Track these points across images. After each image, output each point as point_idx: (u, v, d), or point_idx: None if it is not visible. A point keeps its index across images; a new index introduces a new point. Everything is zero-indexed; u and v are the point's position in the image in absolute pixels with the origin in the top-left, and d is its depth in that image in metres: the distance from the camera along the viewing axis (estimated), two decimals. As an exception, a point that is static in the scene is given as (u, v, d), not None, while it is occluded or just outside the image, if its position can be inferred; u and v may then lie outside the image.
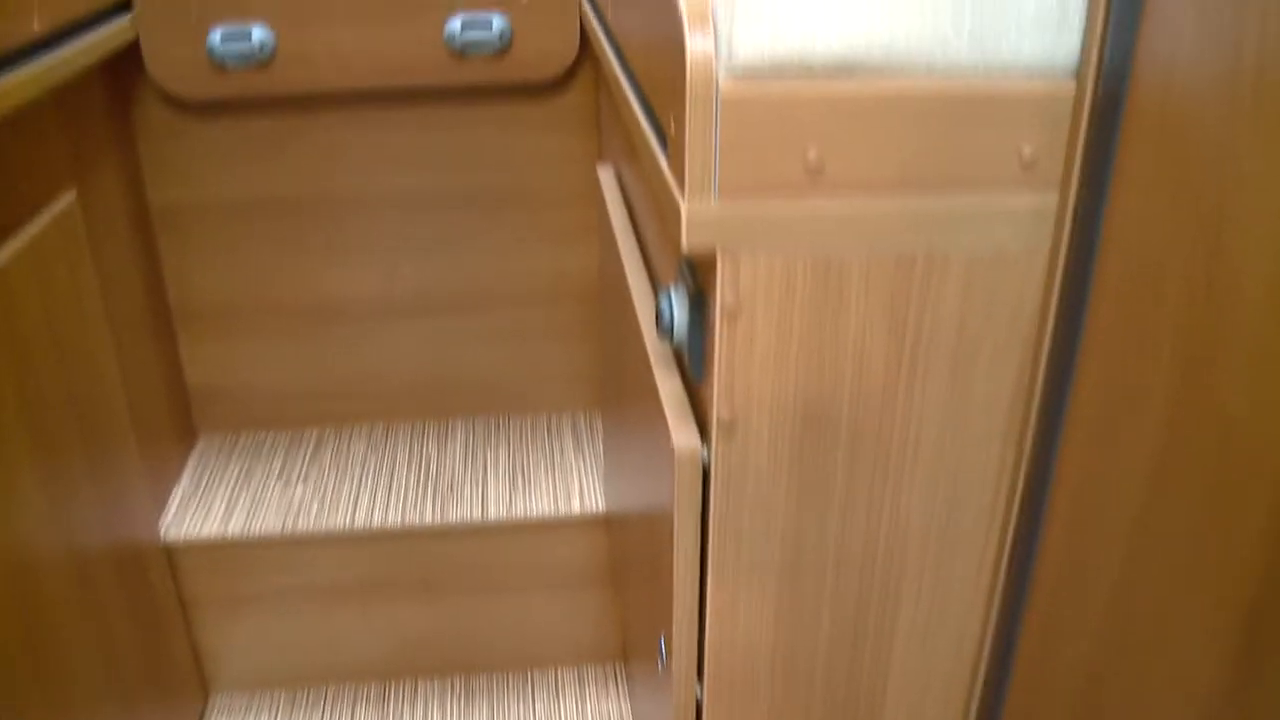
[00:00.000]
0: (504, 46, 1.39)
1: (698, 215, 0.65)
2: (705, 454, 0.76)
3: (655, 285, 1.00)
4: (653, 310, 0.92)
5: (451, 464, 1.58)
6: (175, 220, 1.52)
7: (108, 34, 1.29)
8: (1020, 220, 0.69)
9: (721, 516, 0.77)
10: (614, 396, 1.31)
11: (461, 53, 1.39)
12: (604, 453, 1.52)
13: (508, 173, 1.51)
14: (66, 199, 1.24)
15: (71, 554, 1.13)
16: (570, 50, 1.41)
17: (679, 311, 0.75)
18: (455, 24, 1.38)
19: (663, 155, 0.72)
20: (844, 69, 0.64)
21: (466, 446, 1.63)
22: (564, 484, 1.53)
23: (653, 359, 0.85)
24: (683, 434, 0.76)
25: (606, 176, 1.30)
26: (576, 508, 1.48)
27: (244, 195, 1.51)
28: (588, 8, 1.35)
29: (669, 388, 0.81)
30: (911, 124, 0.66)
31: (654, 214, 0.93)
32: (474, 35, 1.38)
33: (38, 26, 1.12)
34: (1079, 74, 0.66)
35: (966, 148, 0.67)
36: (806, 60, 0.63)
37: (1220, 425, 0.53)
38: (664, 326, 0.76)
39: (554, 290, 1.59)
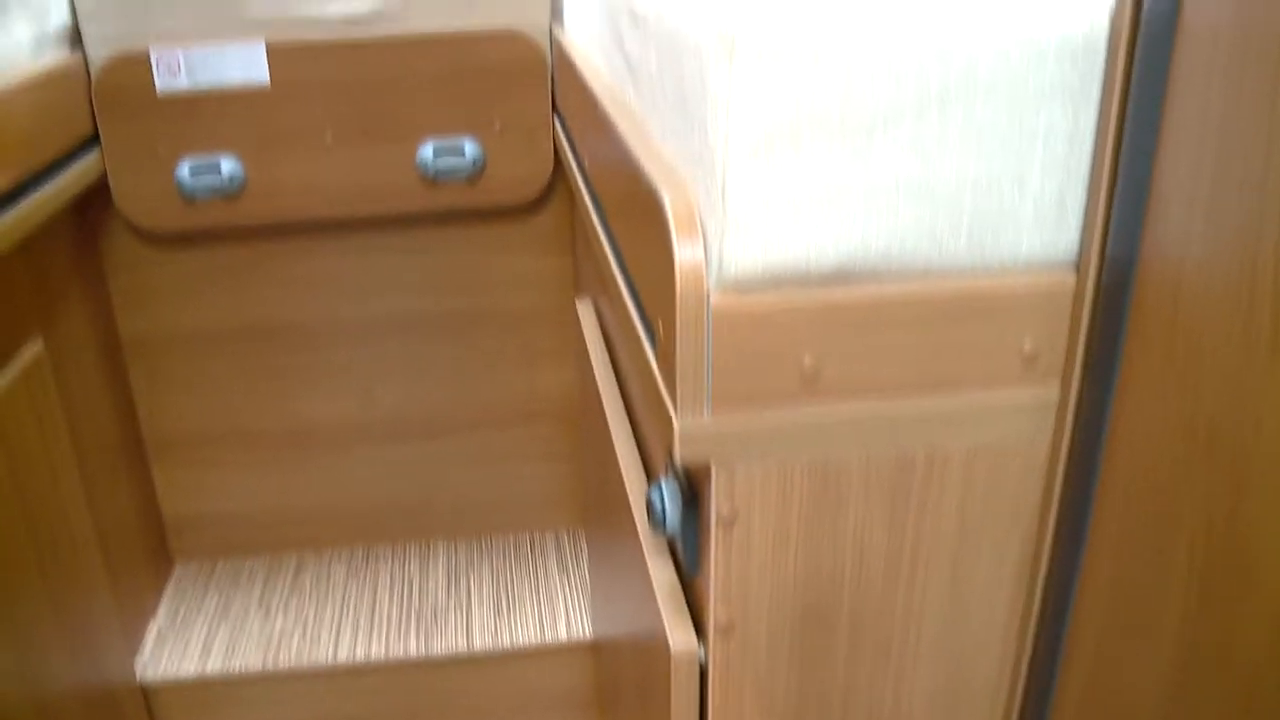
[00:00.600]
0: (477, 172, 1.37)
1: (690, 430, 0.63)
2: (702, 652, 0.73)
3: (640, 441, 0.97)
4: (642, 494, 0.89)
5: (434, 589, 1.55)
6: (146, 350, 1.49)
7: (76, 173, 1.27)
8: (1022, 413, 0.67)
9: (720, 712, 0.74)
10: (599, 527, 1.28)
11: (434, 179, 1.37)
12: (589, 575, 1.49)
13: (483, 294, 1.49)
14: (33, 348, 1.20)
15: (39, 702, 1.09)
16: (544, 174, 1.39)
17: (671, 506, 0.72)
18: (427, 151, 1.36)
19: (650, 349, 0.70)
20: (838, 276, 0.62)
21: (449, 570, 1.59)
22: (550, 608, 1.49)
23: (644, 545, 0.82)
24: (679, 635, 0.73)
25: (585, 311, 1.28)
26: (564, 634, 1.44)
27: (216, 323, 1.48)
28: (560, 131, 1.33)
29: (663, 579, 0.78)
30: (909, 326, 0.63)
31: (643, 395, 0.91)
32: (447, 162, 1.36)
33: (2, 181, 1.09)
34: (1080, 266, 0.64)
35: (966, 346, 0.65)
36: (800, 270, 0.61)
37: (1237, 671, 0.51)
38: (655, 519, 0.73)
39: (532, 410, 1.57)
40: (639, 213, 0.70)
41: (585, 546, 1.62)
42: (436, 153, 1.36)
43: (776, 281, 0.61)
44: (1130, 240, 0.61)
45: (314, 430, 1.55)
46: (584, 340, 1.23)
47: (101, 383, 1.41)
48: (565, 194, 1.44)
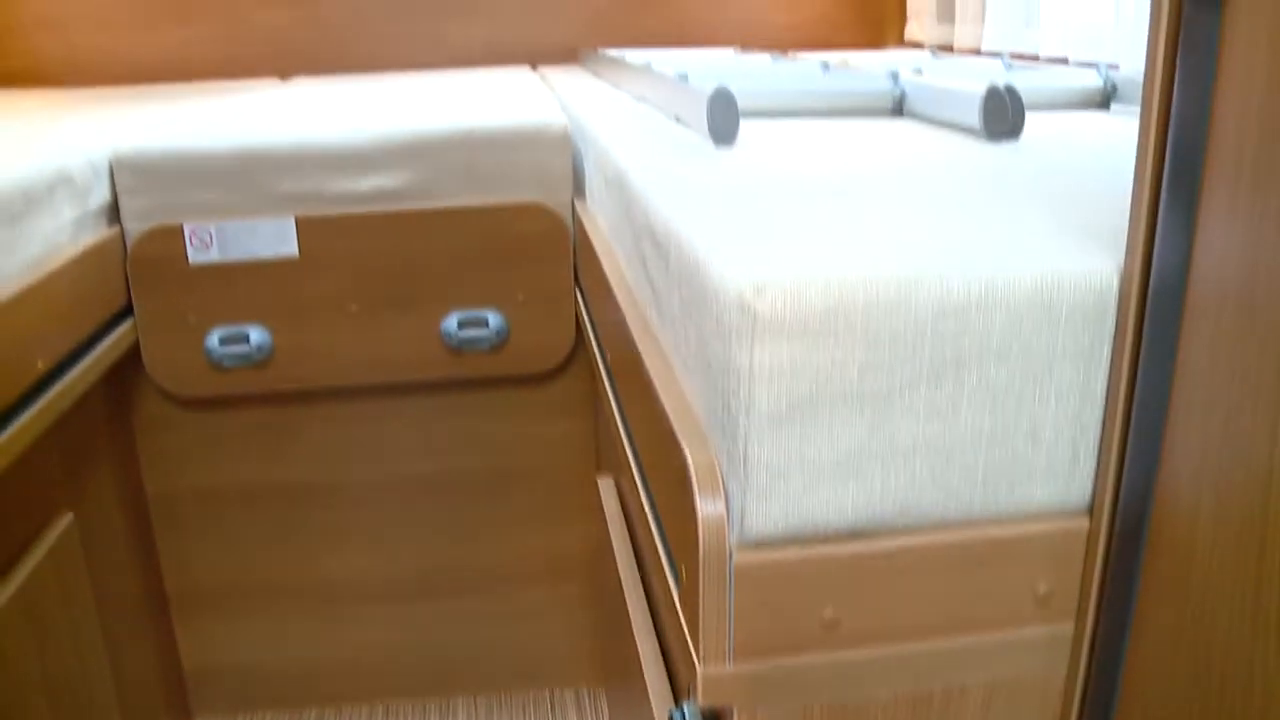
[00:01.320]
0: (500, 342, 1.40)
1: (712, 677, 0.64)
2: None
3: (662, 641, 0.99)
4: (663, 686, 0.90)
5: (453, 749, 1.54)
6: (171, 506, 1.51)
7: (110, 344, 1.30)
8: (1037, 650, 0.68)
9: None
10: (619, 693, 1.28)
11: (458, 349, 1.40)
12: (609, 736, 1.49)
13: (505, 455, 1.51)
14: (63, 522, 1.23)
15: None
16: (566, 344, 1.42)
17: (694, 733, 0.73)
18: (452, 322, 1.39)
19: (675, 587, 0.71)
20: (856, 532, 0.64)
21: (469, 728, 1.59)
22: (569, 769, 1.49)
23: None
24: None
25: (606, 489, 1.30)
26: (583, 797, 1.44)
27: (241, 480, 1.50)
28: (581, 302, 1.37)
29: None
30: (925, 575, 0.65)
31: (667, 619, 0.92)
32: (470, 333, 1.39)
33: (41, 365, 1.12)
34: (1093, 511, 0.66)
35: (981, 591, 0.66)
36: (819, 528, 0.63)
37: None
38: (678, 742, 0.74)
39: (553, 568, 1.58)
40: (664, 456, 0.72)
41: (605, 705, 1.61)
42: (460, 324, 1.39)
43: (797, 538, 0.63)
44: (1143, 487, 0.62)
45: (336, 586, 1.56)
46: (605, 519, 1.24)
47: (126, 540, 1.43)
48: (587, 359, 1.47)
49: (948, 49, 2.11)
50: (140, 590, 1.45)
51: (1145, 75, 0.57)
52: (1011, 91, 1.14)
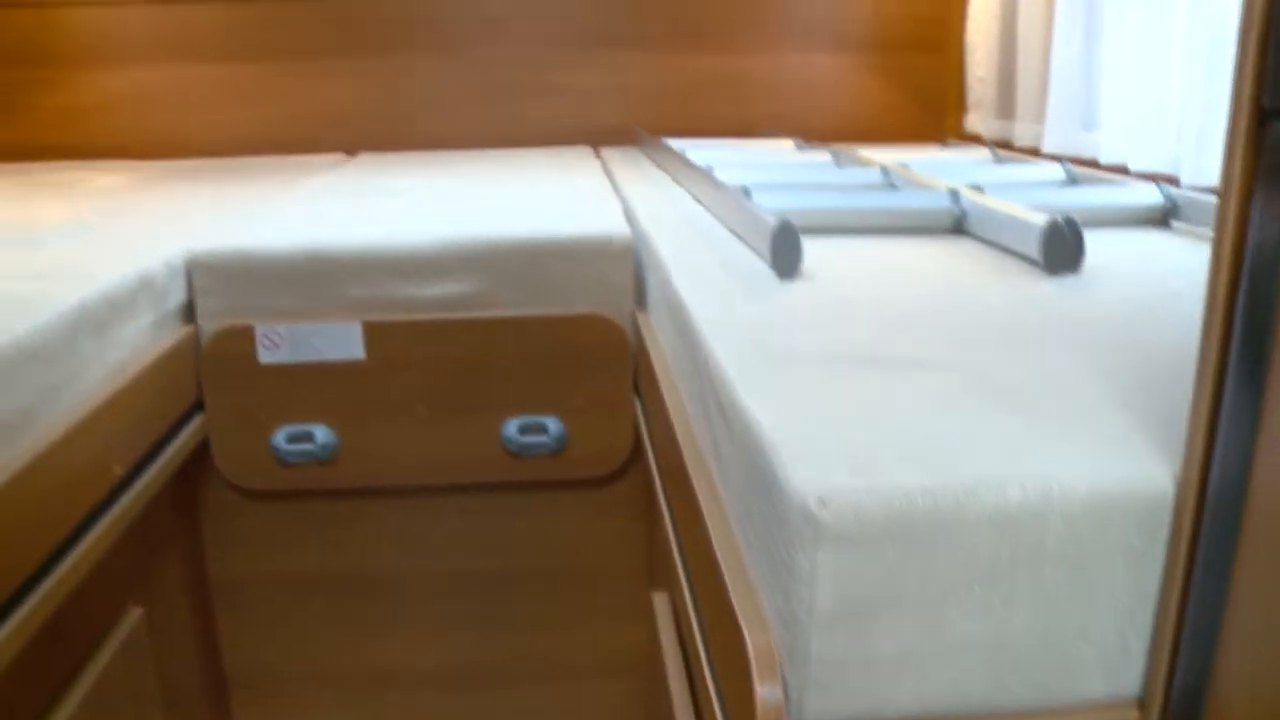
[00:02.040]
0: (559, 448, 1.43)
1: None
2: None
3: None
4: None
5: (501, 842, 1.56)
6: (234, 595, 1.54)
7: (180, 443, 1.34)
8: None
9: None
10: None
11: (518, 454, 1.43)
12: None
13: (560, 556, 1.53)
14: (133, 617, 1.26)
15: None
16: (624, 451, 1.44)
17: None
18: (512, 428, 1.42)
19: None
20: (911, 721, 0.65)
21: (516, 822, 1.60)
22: None
23: None
24: None
25: (661, 607, 1.32)
26: None
27: (302, 571, 1.54)
28: (639, 409, 1.39)
29: None
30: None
31: None
32: (531, 439, 1.42)
33: (118, 469, 1.16)
34: (1144, 704, 0.67)
35: (1033, 780, 0.67)
36: (876, 718, 0.64)
37: None
38: None
39: (602, 666, 1.59)
40: (723, 626, 0.74)
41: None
42: (521, 429, 1.42)
43: (852, 727, 0.65)
44: (1196, 683, 0.63)
45: (392, 676, 1.59)
46: (657, 627, 1.26)
47: (191, 628, 1.47)
48: (644, 464, 1.49)
49: (1006, 146, 2.13)
50: (202, 677, 1.49)
51: (1214, 245, 0.58)
52: (1071, 225, 1.16)
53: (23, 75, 2.55)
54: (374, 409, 1.43)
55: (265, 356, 1.42)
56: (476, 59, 2.55)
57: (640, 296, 1.43)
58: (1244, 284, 0.57)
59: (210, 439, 1.43)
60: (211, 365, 1.42)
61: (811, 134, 2.51)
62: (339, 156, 2.48)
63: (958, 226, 1.39)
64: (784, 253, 1.11)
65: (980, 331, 0.91)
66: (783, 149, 2.10)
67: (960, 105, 2.48)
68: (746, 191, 1.36)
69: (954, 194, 1.41)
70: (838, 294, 1.05)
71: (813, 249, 1.25)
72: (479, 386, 1.42)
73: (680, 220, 1.47)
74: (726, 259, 1.22)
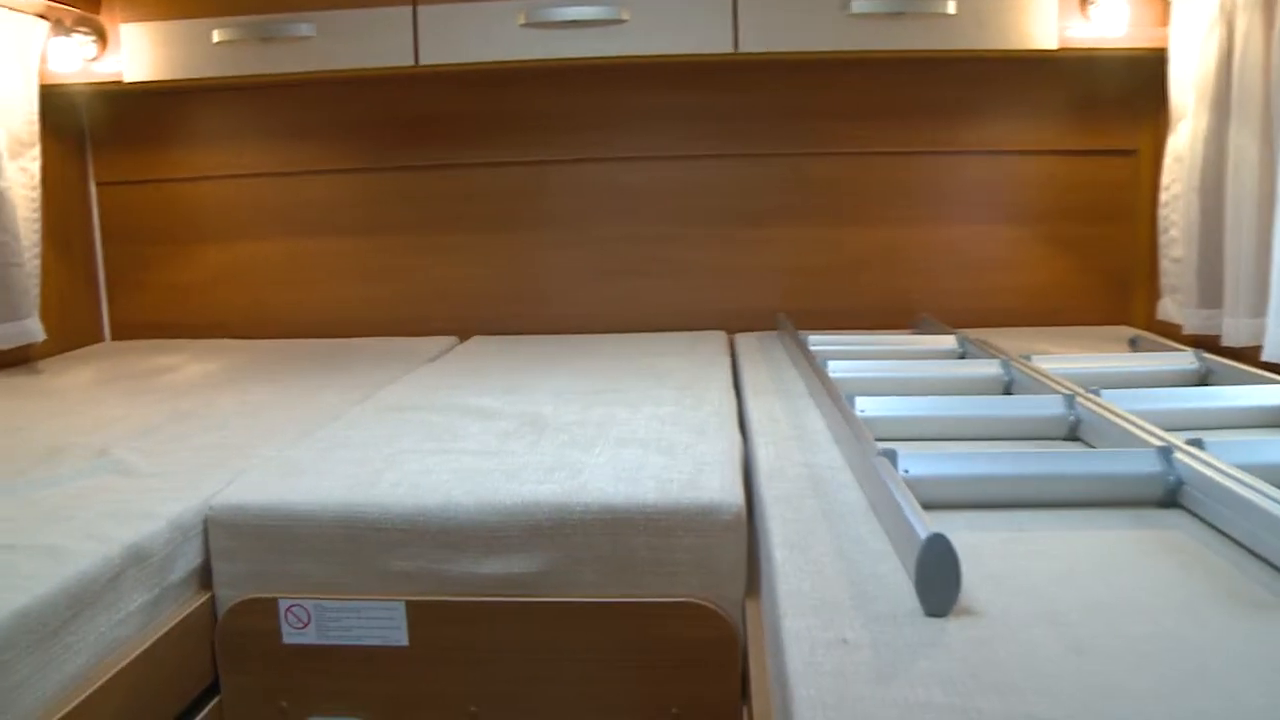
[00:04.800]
0: None
1: None
2: None
3: None
4: None
5: None
6: None
7: None
8: None
9: None
10: None
11: None
12: None
13: None
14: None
15: None
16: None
17: None
18: None
19: None
20: None
21: None
22: None
23: None
24: None
25: None
26: None
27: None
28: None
29: None
30: None
31: None
32: None
33: None
34: None
35: None
36: None
37: None
38: None
39: None
40: None
41: None
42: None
43: None
44: None
45: None
46: None
47: None
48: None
49: (1211, 344, 1.76)
50: None
51: None
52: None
53: (136, 252, 2.43)
54: (418, 705, 1.16)
55: (291, 636, 1.16)
56: (604, 234, 2.32)
57: (754, 578, 1.13)
58: None
59: None
60: (228, 642, 1.17)
61: (979, 316, 2.17)
62: (449, 341, 2.26)
63: (1170, 498, 1.05)
64: (936, 585, 0.80)
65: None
66: (943, 347, 1.78)
67: (1149, 285, 2.13)
68: (892, 457, 1.04)
69: (1166, 454, 1.07)
70: (1015, 654, 0.73)
71: (969, 537, 0.93)
72: (546, 685, 1.14)
73: (809, 473, 1.16)
74: (855, 555, 0.91)
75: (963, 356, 1.73)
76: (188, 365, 2.05)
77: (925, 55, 1.99)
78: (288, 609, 1.16)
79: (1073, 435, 1.28)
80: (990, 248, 2.26)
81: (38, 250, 2.03)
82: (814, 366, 1.54)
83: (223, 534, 1.17)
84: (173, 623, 1.12)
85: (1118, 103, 2.18)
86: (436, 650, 1.15)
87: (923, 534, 0.81)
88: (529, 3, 1.94)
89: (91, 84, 2.13)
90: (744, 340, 2.12)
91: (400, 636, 1.14)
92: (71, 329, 2.31)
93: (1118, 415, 1.21)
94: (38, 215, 2.03)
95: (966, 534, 0.94)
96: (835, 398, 1.31)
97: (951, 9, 1.90)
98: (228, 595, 1.18)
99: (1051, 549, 0.93)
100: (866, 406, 1.31)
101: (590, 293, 2.33)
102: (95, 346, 2.36)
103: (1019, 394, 1.46)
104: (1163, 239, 2.04)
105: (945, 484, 1.05)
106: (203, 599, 1.17)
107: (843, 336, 1.91)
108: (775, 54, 1.97)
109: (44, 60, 2.05)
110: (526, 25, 1.95)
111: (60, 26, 2.04)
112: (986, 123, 2.22)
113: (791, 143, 2.25)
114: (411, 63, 1.99)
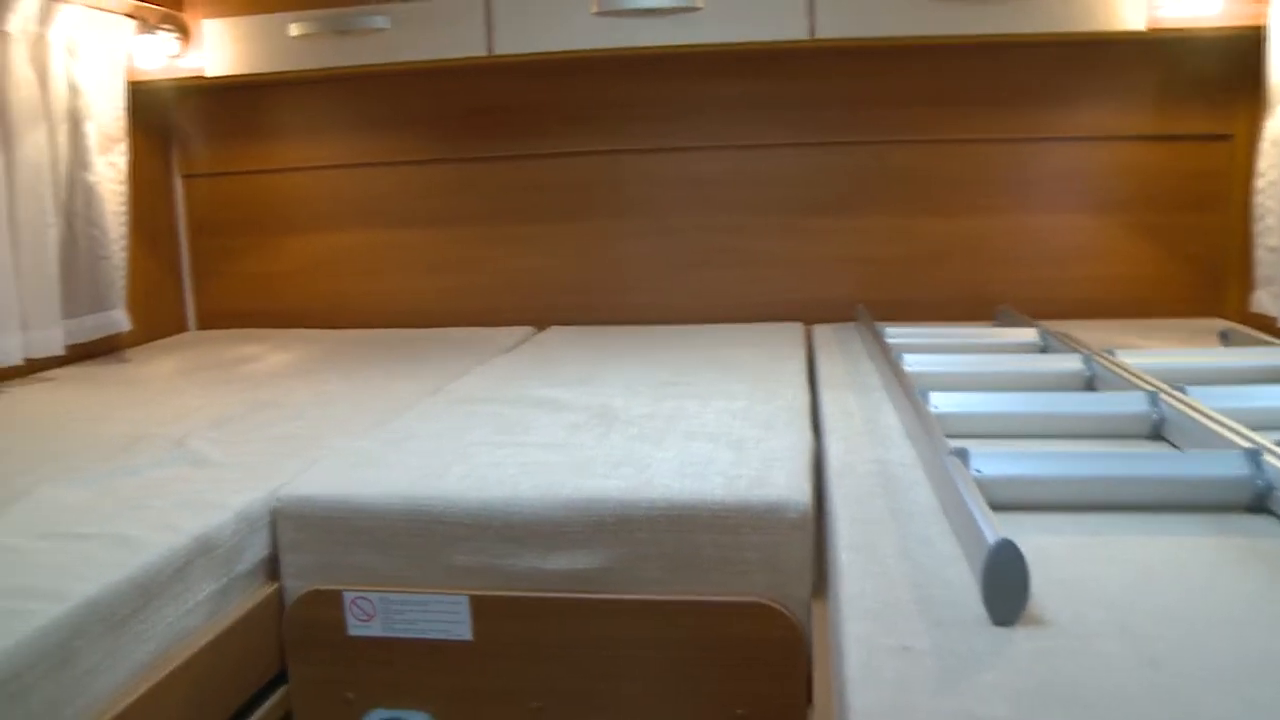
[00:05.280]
0: None
1: None
2: None
3: None
4: None
5: None
6: None
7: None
8: None
9: None
10: None
11: None
12: None
13: None
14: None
15: None
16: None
17: None
18: None
19: None
20: None
21: None
22: None
23: None
24: None
25: None
26: None
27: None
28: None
29: None
30: None
31: None
32: None
33: None
34: None
35: None
36: None
37: None
38: None
39: None
40: None
41: None
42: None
43: None
44: None
45: None
46: None
47: None
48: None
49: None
50: None
51: None
52: None
53: (219, 243, 2.47)
54: (481, 700, 1.16)
55: (356, 628, 1.17)
56: (677, 224, 2.30)
57: (821, 577, 1.10)
58: None
59: (294, 717, 1.19)
60: (295, 633, 1.18)
61: (1063, 308, 2.11)
62: (525, 331, 2.26)
63: (1259, 503, 1.01)
64: (1003, 593, 0.77)
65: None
66: (1024, 340, 1.73)
67: (1243, 276, 2.05)
68: (964, 456, 1.01)
69: (1255, 455, 1.02)
70: (1085, 666, 0.70)
71: (1041, 540, 0.90)
72: (610, 682, 1.13)
73: (880, 470, 1.13)
74: (922, 557, 0.89)
75: (1043, 350, 1.68)
76: (267, 355, 2.08)
77: (1007, 40, 1.94)
78: (353, 601, 1.16)
79: (1156, 434, 1.23)
80: (1075, 237, 2.19)
81: (125, 243, 2.07)
82: (889, 360, 1.51)
83: (290, 525, 1.18)
84: (240, 613, 1.13)
85: (1211, 85, 2.09)
86: (500, 645, 1.14)
87: (991, 539, 0.78)
88: (602, -9, 1.93)
89: (175, 80, 2.17)
90: (821, 332, 2.09)
91: (464, 631, 1.14)
92: (157, 319, 2.36)
93: (1204, 414, 1.16)
94: (125, 209, 2.07)
95: (1038, 537, 0.91)
96: (909, 393, 1.28)
97: (1035, -10, 1.85)
98: (295, 586, 1.19)
99: (1128, 555, 0.89)
100: (941, 402, 1.28)
101: (664, 283, 2.31)
102: (180, 336, 2.41)
103: (1100, 390, 1.41)
104: (1258, 227, 1.97)
105: (1018, 484, 1.01)
106: (270, 590, 1.18)
107: (921, 328, 1.87)
108: (852, 40, 1.93)
109: (130, 58, 2.09)
110: (599, 14, 1.93)
111: (145, 25, 2.07)
112: (1071, 108, 2.15)
113: (868, 131, 2.20)
114: (485, 53, 1.99)
